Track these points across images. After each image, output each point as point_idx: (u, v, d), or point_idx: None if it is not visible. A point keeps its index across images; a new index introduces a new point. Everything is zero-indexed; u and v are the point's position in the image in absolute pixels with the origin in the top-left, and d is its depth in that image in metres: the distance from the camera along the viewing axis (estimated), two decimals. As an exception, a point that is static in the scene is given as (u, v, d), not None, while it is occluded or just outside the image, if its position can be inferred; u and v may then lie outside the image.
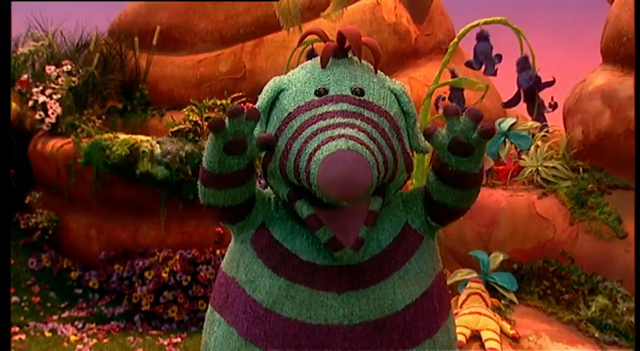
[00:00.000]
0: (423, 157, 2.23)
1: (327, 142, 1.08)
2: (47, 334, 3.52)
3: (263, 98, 1.25)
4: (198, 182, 1.23)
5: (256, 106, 1.24)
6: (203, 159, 1.19)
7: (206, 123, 3.78)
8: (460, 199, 1.23)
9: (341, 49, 1.25)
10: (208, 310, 1.34)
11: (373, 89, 1.21)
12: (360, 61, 1.27)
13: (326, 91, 1.19)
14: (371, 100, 1.19)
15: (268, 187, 1.29)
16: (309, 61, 1.30)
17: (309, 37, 1.40)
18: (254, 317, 1.21)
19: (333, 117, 1.13)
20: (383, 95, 1.22)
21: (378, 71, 1.28)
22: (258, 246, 1.24)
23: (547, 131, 2.78)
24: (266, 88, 1.26)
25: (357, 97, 1.18)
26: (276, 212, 1.25)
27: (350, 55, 1.26)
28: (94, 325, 3.66)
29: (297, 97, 1.20)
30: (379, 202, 1.18)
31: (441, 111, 2.86)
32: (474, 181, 1.20)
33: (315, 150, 1.09)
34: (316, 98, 1.18)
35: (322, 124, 1.13)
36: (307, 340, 1.17)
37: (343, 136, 1.09)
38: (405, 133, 1.23)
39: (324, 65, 1.23)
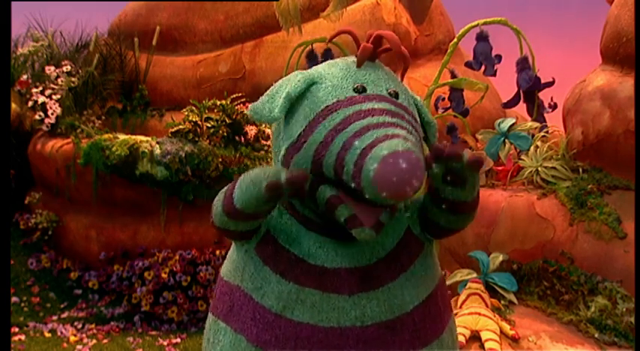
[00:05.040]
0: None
1: (384, 140, 1.06)
2: (47, 334, 3.52)
3: (294, 87, 1.19)
4: (220, 210, 1.19)
5: (285, 91, 1.19)
6: (235, 196, 1.14)
7: (206, 123, 3.78)
8: (453, 222, 1.23)
9: (375, 53, 1.24)
10: (210, 320, 1.32)
11: (404, 95, 1.22)
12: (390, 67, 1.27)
13: (364, 89, 1.18)
14: (405, 104, 1.19)
15: None
16: (339, 59, 1.28)
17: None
18: (263, 323, 1.20)
19: (381, 115, 1.12)
20: (410, 102, 1.23)
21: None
22: (263, 253, 1.23)
23: (547, 132, 2.79)
24: (294, 78, 1.22)
25: (395, 100, 1.18)
26: (280, 218, 1.24)
27: (378, 60, 1.26)
28: (93, 326, 3.66)
29: (336, 91, 1.18)
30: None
31: (440, 109, 2.87)
32: (467, 208, 1.20)
33: (371, 146, 1.06)
34: (356, 95, 1.17)
35: (372, 120, 1.11)
36: (320, 343, 1.17)
37: (399, 136, 1.07)
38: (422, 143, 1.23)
39: (359, 65, 1.22)
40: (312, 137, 1.14)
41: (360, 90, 1.17)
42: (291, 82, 1.20)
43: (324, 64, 1.28)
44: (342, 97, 1.16)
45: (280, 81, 1.25)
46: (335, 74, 1.21)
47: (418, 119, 1.23)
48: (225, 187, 1.20)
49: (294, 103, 1.20)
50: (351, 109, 1.14)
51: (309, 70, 1.24)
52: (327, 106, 1.16)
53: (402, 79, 1.27)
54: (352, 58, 1.25)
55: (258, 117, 1.20)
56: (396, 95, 1.19)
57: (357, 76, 1.20)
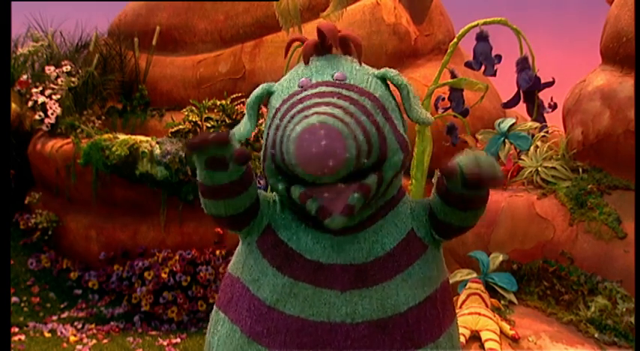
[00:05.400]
0: (423, 155, 2.24)
1: (301, 122, 1.10)
2: (47, 334, 3.52)
3: (251, 97, 1.30)
4: (200, 196, 1.25)
5: (247, 105, 1.30)
6: (197, 175, 1.21)
7: (206, 123, 3.78)
8: (465, 219, 1.24)
9: (323, 46, 1.27)
10: (213, 311, 1.35)
11: (355, 75, 1.23)
12: (349, 54, 1.30)
13: (309, 82, 1.22)
14: (352, 82, 1.21)
15: (269, 189, 1.31)
16: (296, 65, 1.33)
17: (294, 44, 1.42)
18: (257, 315, 1.22)
19: (310, 99, 1.16)
20: (366, 79, 1.24)
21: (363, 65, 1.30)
22: (263, 247, 1.25)
23: (546, 132, 2.78)
24: (256, 89, 1.31)
25: (338, 81, 1.20)
26: (281, 213, 1.26)
27: (334, 52, 1.29)
28: (93, 326, 3.66)
29: (283, 93, 1.24)
30: (374, 179, 1.16)
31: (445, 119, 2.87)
32: (479, 203, 1.22)
33: (291, 131, 1.10)
34: (298, 89, 1.21)
35: (299, 106, 1.15)
36: (309, 337, 1.18)
37: (316, 113, 1.10)
38: (396, 114, 1.24)
39: (306, 62, 1.26)
40: (267, 142, 1.21)
41: (304, 84, 1.21)
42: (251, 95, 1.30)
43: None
44: (285, 96, 1.22)
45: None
46: (286, 78, 1.28)
47: (378, 93, 1.23)
48: None
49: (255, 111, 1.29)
50: (289, 102, 1.18)
51: (268, 83, 1.32)
52: (276, 109, 1.21)
53: (359, 62, 1.29)
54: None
55: (239, 137, 1.27)
56: (342, 78, 1.21)
57: (304, 72, 1.25)
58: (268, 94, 1.29)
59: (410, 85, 1.29)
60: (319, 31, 1.26)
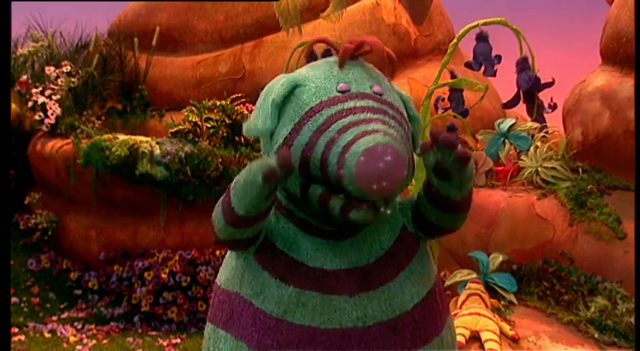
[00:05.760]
0: (423, 157, 2.23)
1: (363, 136, 1.07)
2: (47, 334, 3.52)
3: (278, 92, 1.20)
4: (224, 224, 1.16)
5: (270, 99, 1.20)
6: (235, 204, 1.12)
7: (206, 124, 3.78)
8: (443, 220, 1.23)
9: (355, 53, 1.24)
10: (209, 329, 1.31)
11: (389, 91, 1.22)
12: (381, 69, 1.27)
13: (348, 89, 1.18)
14: (388, 100, 1.19)
15: None
16: (320, 60, 1.29)
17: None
18: (264, 328, 1.19)
19: (363, 112, 1.13)
20: (396, 99, 1.23)
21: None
22: (262, 259, 1.23)
23: (546, 132, 2.78)
24: (277, 83, 1.23)
25: (379, 97, 1.18)
26: (277, 223, 1.24)
27: (361, 59, 1.26)
28: (93, 326, 3.66)
29: (319, 92, 1.18)
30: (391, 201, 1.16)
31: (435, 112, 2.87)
32: (456, 208, 1.20)
33: (351, 143, 1.07)
34: (339, 94, 1.17)
35: (353, 118, 1.11)
36: (322, 346, 1.17)
37: (378, 131, 1.08)
38: (410, 138, 1.23)
39: (341, 65, 1.22)
40: (298, 140, 1.15)
41: (344, 90, 1.18)
42: (275, 89, 1.21)
43: (306, 66, 1.29)
44: (325, 98, 1.17)
45: (265, 89, 1.25)
46: (318, 75, 1.22)
47: (405, 115, 1.22)
48: (220, 200, 1.17)
49: (279, 108, 1.20)
50: (334, 108, 1.14)
51: (292, 74, 1.25)
52: (311, 108, 1.16)
53: (390, 78, 1.27)
54: (334, 59, 1.25)
55: (254, 133, 1.21)
56: (380, 92, 1.19)
57: (340, 76, 1.21)
58: (293, 87, 1.21)
59: (421, 119, 1.28)
60: (362, 43, 1.22)
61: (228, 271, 1.30)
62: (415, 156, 1.25)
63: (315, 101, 1.17)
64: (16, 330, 3.55)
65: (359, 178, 1.04)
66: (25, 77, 4.43)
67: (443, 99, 2.82)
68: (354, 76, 1.20)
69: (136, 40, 4.62)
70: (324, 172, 1.11)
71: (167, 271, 3.66)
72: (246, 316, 1.22)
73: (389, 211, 1.13)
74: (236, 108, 3.88)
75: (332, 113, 1.14)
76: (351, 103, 1.15)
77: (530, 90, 2.76)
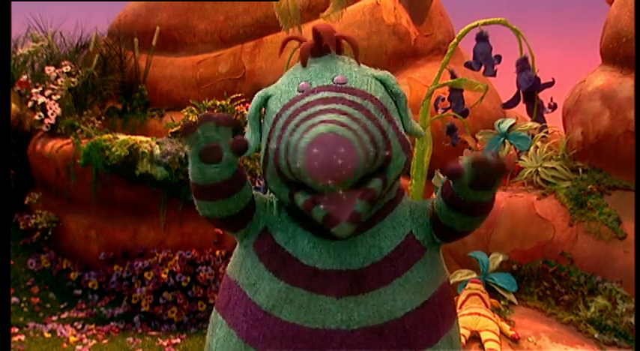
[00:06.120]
0: (423, 156, 2.23)
1: (308, 130, 1.08)
2: (47, 334, 3.52)
3: (251, 106, 1.27)
4: (194, 197, 1.23)
5: (249, 118, 1.27)
6: (190, 175, 1.19)
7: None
8: (469, 224, 1.23)
9: (319, 48, 1.26)
10: (213, 312, 1.35)
11: (355, 77, 1.22)
12: (341, 54, 1.28)
13: (309, 87, 1.20)
14: (353, 86, 1.20)
15: (269, 191, 1.30)
16: (293, 66, 1.31)
17: (293, 44, 1.40)
18: (253, 320, 1.21)
19: (314, 106, 1.14)
20: (366, 81, 1.22)
21: (361, 64, 1.29)
22: (259, 250, 1.24)
23: (546, 132, 2.78)
24: (254, 98, 1.28)
25: (339, 85, 1.19)
26: (278, 216, 1.25)
27: (332, 52, 1.27)
28: (93, 326, 3.66)
29: (282, 97, 1.21)
30: (378, 183, 1.14)
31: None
32: (485, 209, 1.21)
33: (299, 140, 1.09)
34: (299, 94, 1.19)
35: (303, 114, 1.13)
36: (305, 344, 1.17)
37: (323, 121, 1.09)
38: (396, 116, 1.23)
39: (304, 64, 1.25)
40: (270, 148, 1.18)
41: (304, 88, 1.20)
42: (252, 103, 1.27)
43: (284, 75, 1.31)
44: (286, 102, 1.20)
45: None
46: (283, 81, 1.25)
47: (379, 95, 1.22)
48: None
49: (260, 121, 1.27)
50: (291, 109, 1.17)
51: (269, 87, 1.28)
52: (276, 114, 1.19)
53: (357, 63, 1.28)
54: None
55: (250, 151, 1.24)
56: (342, 81, 1.20)
57: (302, 75, 1.23)
58: (266, 99, 1.26)
59: (406, 96, 1.28)
60: (315, 33, 1.24)
61: (233, 258, 1.33)
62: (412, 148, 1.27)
63: (279, 107, 1.20)
64: (16, 330, 3.55)
65: (308, 171, 1.05)
66: (25, 77, 4.43)
67: (443, 99, 2.82)
68: (315, 73, 1.22)
69: (136, 40, 4.62)
70: (293, 174, 1.13)
71: (167, 271, 3.66)
72: (239, 305, 1.24)
73: (363, 204, 1.11)
74: (236, 108, 3.87)
75: (289, 114, 1.16)
76: (305, 100, 1.17)
77: (530, 90, 2.75)
